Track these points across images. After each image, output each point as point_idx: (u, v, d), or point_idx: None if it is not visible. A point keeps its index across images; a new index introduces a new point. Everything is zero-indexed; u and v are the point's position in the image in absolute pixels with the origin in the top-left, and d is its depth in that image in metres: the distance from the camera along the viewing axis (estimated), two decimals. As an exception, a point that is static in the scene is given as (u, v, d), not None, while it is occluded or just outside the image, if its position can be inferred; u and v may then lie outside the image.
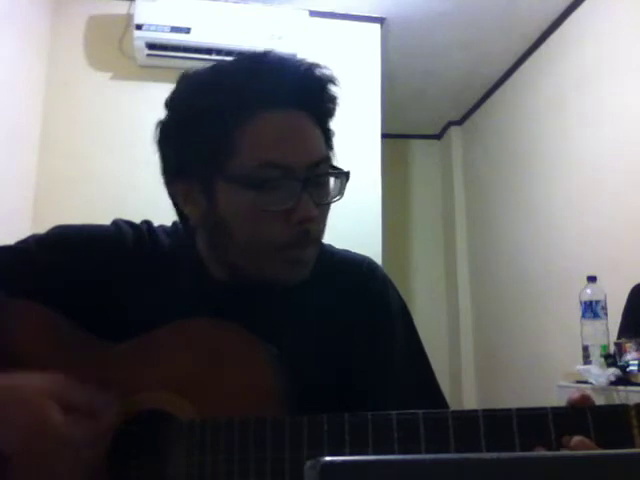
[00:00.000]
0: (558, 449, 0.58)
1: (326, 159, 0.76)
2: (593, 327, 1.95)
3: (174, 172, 0.77)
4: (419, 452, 0.58)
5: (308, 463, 0.35)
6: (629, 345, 1.78)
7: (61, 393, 0.62)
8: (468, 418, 0.59)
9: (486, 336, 3.77)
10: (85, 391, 0.63)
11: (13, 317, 0.71)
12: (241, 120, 0.71)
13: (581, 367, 1.90)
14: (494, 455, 0.36)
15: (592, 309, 1.96)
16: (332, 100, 0.78)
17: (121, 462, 0.67)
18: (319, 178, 0.74)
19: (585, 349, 1.96)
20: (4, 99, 2.29)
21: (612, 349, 1.87)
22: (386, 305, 0.84)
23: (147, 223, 0.84)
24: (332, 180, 0.77)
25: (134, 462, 0.69)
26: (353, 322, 0.80)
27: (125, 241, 0.80)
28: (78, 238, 0.79)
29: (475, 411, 0.59)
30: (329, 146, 0.79)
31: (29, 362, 0.67)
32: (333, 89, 0.77)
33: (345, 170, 0.77)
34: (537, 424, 0.59)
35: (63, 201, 2.53)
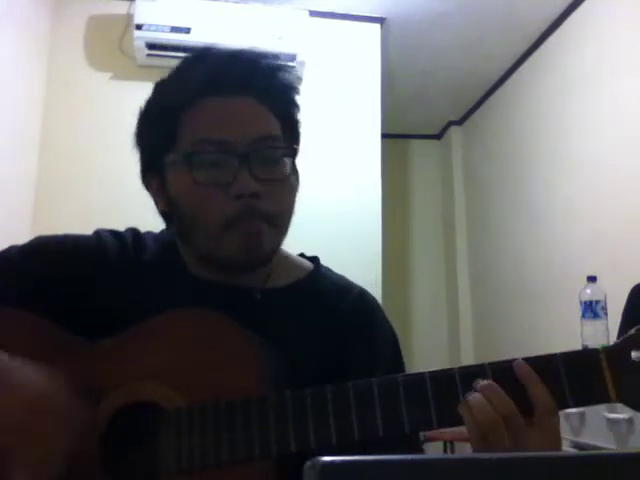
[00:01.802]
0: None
1: (270, 137, 0.76)
2: (593, 327, 1.95)
3: (145, 171, 0.81)
4: (399, 413, 0.61)
5: (308, 463, 0.35)
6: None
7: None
8: (445, 377, 0.62)
9: (486, 336, 3.77)
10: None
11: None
12: (185, 108, 0.75)
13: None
14: (494, 455, 0.36)
15: (592, 309, 1.96)
16: (282, 87, 0.80)
17: (113, 453, 0.67)
18: (260, 154, 0.74)
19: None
20: (4, 99, 2.29)
21: (612, 349, 1.86)
22: (371, 331, 0.83)
23: (132, 230, 0.85)
24: (288, 161, 0.78)
25: (126, 452, 0.69)
26: (336, 342, 0.80)
27: (106, 248, 0.81)
28: (60, 246, 0.80)
29: (450, 369, 0.62)
30: (290, 136, 0.80)
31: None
32: (283, 77, 0.80)
33: (289, 145, 0.78)
34: (511, 376, 0.61)
35: (63, 201, 2.53)
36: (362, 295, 0.86)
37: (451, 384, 0.61)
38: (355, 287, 0.87)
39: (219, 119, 0.75)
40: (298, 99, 0.82)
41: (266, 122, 0.77)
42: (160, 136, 0.77)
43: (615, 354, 0.59)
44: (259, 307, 0.79)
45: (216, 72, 0.76)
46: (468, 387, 0.61)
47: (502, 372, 0.61)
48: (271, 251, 0.78)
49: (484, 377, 0.61)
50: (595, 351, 0.60)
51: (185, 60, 0.80)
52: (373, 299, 0.87)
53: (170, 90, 0.78)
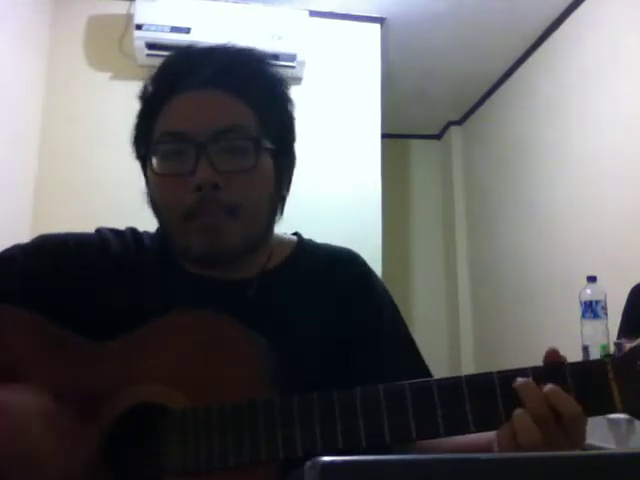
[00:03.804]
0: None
1: (233, 127, 0.74)
2: (593, 327, 1.95)
3: (143, 171, 0.83)
4: (406, 420, 0.60)
5: (308, 463, 0.35)
6: (629, 345, 1.77)
7: (49, 413, 0.63)
8: (452, 385, 0.61)
9: (486, 336, 3.77)
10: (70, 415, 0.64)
11: (2, 323, 0.72)
12: (160, 108, 0.77)
13: (581, 367, 1.89)
14: (494, 455, 0.36)
15: (592, 309, 1.96)
16: (260, 79, 0.79)
17: (118, 455, 0.67)
18: (220, 144, 0.73)
19: (585, 349, 1.95)
20: (4, 99, 2.29)
21: (612, 349, 1.87)
22: (370, 292, 0.85)
23: (131, 229, 0.86)
24: (256, 151, 0.75)
25: (131, 454, 0.69)
26: (335, 308, 0.81)
27: (109, 246, 0.81)
28: (63, 244, 0.80)
29: (458, 377, 0.61)
30: (270, 128, 0.78)
31: (20, 367, 0.68)
32: (262, 70, 0.80)
33: (251, 136, 0.75)
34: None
35: (63, 201, 2.53)
36: (353, 257, 0.88)
37: (458, 393, 0.60)
38: (343, 250, 0.88)
39: (181, 112, 0.75)
40: (286, 93, 0.82)
41: (232, 112, 0.76)
42: (143, 136, 0.79)
43: (622, 365, 0.59)
44: (255, 299, 0.79)
45: (188, 69, 0.77)
46: (474, 396, 0.60)
47: (507, 382, 0.61)
48: (238, 245, 0.76)
49: (492, 388, 0.60)
50: (602, 362, 0.60)
51: (163, 62, 0.81)
52: (363, 259, 0.88)
53: (148, 93, 0.80)
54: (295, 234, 0.91)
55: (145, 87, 0.81)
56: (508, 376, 0.60)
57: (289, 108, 0.82)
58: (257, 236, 0.80)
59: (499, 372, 0.61)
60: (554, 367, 0.61)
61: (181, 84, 0.76)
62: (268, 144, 0.77)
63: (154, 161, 0.76)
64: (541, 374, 0.60)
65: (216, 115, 0.75)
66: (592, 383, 0.59)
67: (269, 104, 0.79)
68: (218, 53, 0.79)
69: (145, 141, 0.79)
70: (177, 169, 0.74)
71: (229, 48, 0.80)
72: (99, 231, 0.84)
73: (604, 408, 0.59)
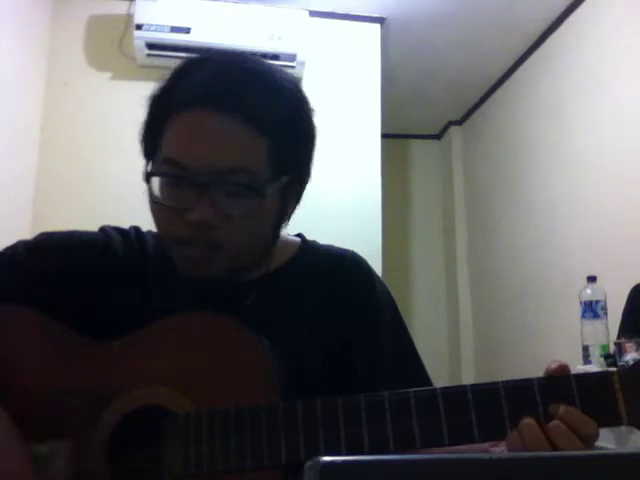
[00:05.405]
0: (546, 418, 0.59)
1: (239, 170, 0.69)
2: (593, 327, 1.95)
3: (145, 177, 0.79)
4: (411, 428, 0.60)
5: (308, 463, 0.35)
6: (629, 345, 1.78)
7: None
8: (457, 394, 0.61)
9: (486, 336, 3.77)
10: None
11: (4, 322, 0.72)
12: (167, 119, 0.72)
13: (581, 367, 1.90)
14: (494, 455, 0.36)
15: (592, 309, 1.96)
16: (277, 108, 0.73)
17: (120, 457, 0.67)
18: (223, 187, 0.69)
19: (585, 349, 1.96)
20: (4, 99, 2.29)
21: (612, 349, 1.87)
22: (372, 295, 0.85)
23: (135, 228, 0.85)
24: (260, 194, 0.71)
25: (133, 456, 0.69)
26: (336, 310, 0.81)
27: (113, 245, 0.81)
28: (66, 243, 0.80)
29: (463, 386, 0.61)
30: (283, 160, 0.73)
31: (21, 366, 0.68)
32: (281, 96, 0.74)
33: (255, 187, 0.70)
34: (524, 395, 0.60)
35: (63, 201, 2.53)
36: (355, 259, 0.87)
37: (463, 402, 0.60)
38: (345, 251, 0.88)
39: (189, 138, 0.70)
40: (305, 115, 0.77)
41: (238, 148, 0.70)
42: (147, 145, 0.76)
43: (628, 377, 0.59)
44: (255, 301, 0.79)
45: (206, 82, 0.71)
46: (480, 405, 0.60)
47: (512, 392, 0.61)
48: (223, 273, 0.75)
49: (496, 396, 0.60)
50: (608, 374, 0.60)
51: (180, 65, 0.76)
52: (365, 262, 0.88)
53: (159, 98, 0.75)
54: (298, 235, 0.91)
55: (154, 95, 0.76)
56: (513, 386, 0.60)
57: (308, 131, 0.79)
58: (250, 263, 0.79)
59: (504, 382, 0.61)
60: (560, 379, 0.60)
61: (195, 99, 0.70)
62: (274, 185, 0.72)
63: (154, 183, 0.72)
64: (547, 386, 0.60)
65: (220, 151, 0.69)
66: (598, 395, 0.59)
67: (284, 130, 0.73)
68: (232, 68, 0.73)
69: (151, 148, 0.75)
70: (175, 202, 0.71)
71: (244, 63, 0.74)
72: (104, 230, 0.83)
73: (610, 421, 0.59)
